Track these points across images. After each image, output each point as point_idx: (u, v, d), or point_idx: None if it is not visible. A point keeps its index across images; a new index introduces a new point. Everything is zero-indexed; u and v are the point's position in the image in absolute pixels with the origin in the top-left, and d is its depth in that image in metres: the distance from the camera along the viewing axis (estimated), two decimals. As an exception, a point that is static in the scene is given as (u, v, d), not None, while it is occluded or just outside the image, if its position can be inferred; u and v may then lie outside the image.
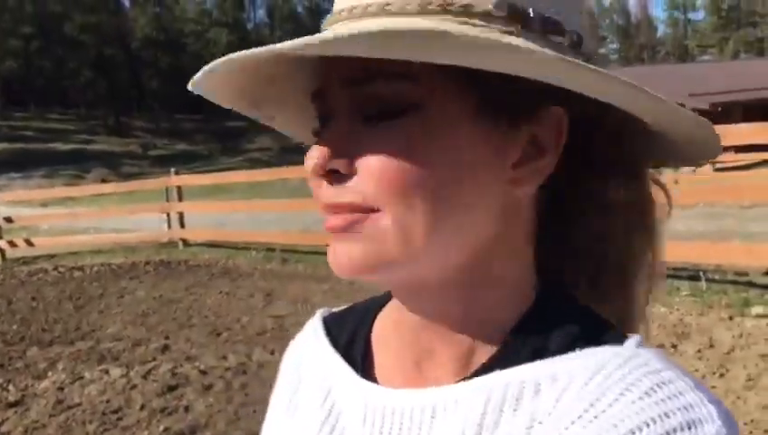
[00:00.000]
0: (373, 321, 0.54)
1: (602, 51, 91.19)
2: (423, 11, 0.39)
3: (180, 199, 10.88)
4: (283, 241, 9.44)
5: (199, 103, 69.73)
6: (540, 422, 0.40)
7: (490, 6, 0.40)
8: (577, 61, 0.39)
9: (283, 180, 20.97)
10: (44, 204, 21.73)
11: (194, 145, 59.25)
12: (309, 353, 0.57)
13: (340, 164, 0.42)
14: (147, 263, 9.46)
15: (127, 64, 63.00)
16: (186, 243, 10.73)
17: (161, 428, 3.44)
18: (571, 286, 0.48)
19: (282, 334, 5.12)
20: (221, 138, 60.49)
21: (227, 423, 3.45)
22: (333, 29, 0.42)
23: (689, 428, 0.35)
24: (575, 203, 0.48)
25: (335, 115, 0.43)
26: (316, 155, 0.42)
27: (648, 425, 0.35)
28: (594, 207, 0.47)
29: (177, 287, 7.44)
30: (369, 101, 0.41)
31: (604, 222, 0.47)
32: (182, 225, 10.80)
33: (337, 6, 0.43)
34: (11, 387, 4.33)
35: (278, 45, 0.37)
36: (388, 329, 0.51)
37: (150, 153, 52.65)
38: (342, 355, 0.53)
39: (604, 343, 0.42)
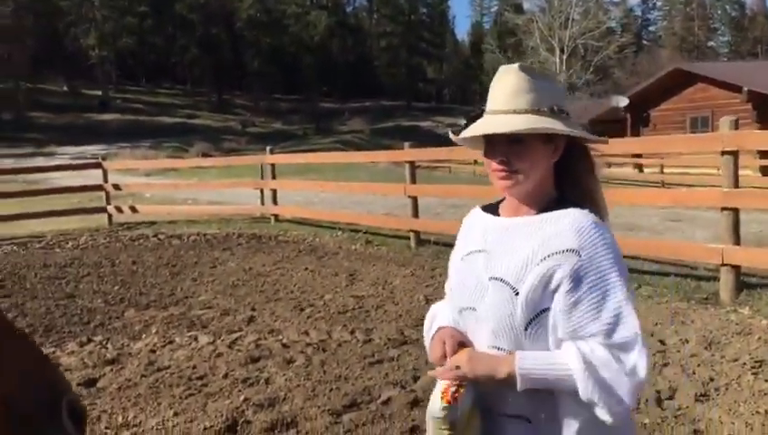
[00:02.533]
0: (500, 203, 1.45)
1: (711, 43, 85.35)
2: (535, 112, 1.32)
3: (274, 177, 11.19)
4: (367, 223, 9.52)
5: (296, 84, 71.61)
6: (556, 232, 1.30)
7: (546, 109, 1.32)
8: (568, 126, 1.33)
9: (373, 163, 21.17)
10: (148, 173, 22.99)
11: (289, 124, 60.75)
12: (475, 216, 1.49)
13: (506, 159, 1.33)
14: (239, 235, 9.80)
15: (230, 44, 65.28)
16: (277, 218, 11.03)
17: (242, 398, 3.54)
18: (571, 195, 1.37)
19: (362, 315, 5.16)
20: (315, 118, 61.74)
21: (305, 399, 3.51)
22: (501, 118, 1.33)
23: (583, 226, 1.30)
24: (569, 164, 1.39)
25: (498, 140, 1.33)
26: (498, 157, 1.33)
27: (579, 229, 1.29)
28: (575, 165, 1.39)
29: (267, 261, 7.66)
30: (509, 137, 1.31)
31: (578, 171, 1.39)
32: (275, 201, 11.11)
33: (492, 107, 1.35)
34: (109, 345, 4.61)
35: (491, 129, 1.32)
36: (506, 204, 1.42)
37: (249, 130, 54.48)
38: (488, 213, 1.45)
39: (578, 208, 1.33)
